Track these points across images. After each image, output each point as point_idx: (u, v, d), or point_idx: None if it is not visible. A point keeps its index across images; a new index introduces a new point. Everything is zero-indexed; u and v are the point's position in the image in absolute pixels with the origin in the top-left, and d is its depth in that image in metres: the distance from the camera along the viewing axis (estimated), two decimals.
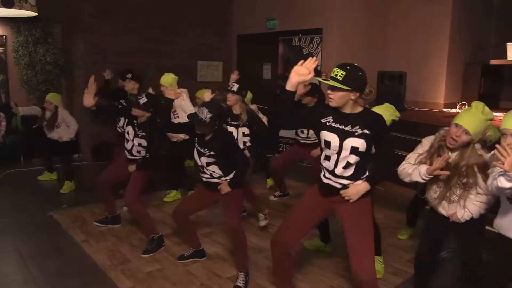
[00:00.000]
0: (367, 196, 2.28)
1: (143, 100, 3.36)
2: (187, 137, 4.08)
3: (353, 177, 2.24)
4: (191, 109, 4.30)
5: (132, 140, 3.54)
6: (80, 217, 4.18)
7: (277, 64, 7.00)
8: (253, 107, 4.76)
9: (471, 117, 2.23)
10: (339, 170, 2.23)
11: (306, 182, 5.05)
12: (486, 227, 2.47)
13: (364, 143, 2.15)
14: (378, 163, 2.28)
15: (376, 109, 2.93)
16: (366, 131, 2.14)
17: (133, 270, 3.15)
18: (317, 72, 5.97)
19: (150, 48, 6.74)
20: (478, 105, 2.27)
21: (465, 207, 2.32)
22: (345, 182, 2.25)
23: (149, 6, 6.69)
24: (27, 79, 6.27)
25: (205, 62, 7.50)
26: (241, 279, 2.92)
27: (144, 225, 3.56)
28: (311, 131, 4.24)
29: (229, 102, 3.78)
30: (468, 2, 6.06)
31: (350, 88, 2.07)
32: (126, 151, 3.62)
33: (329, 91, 2.14)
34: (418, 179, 2.32)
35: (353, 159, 2.18)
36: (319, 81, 2.12)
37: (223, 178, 2.94)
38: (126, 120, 3.69)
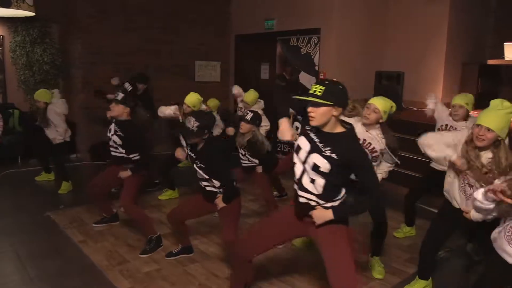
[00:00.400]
0: (340, 225, 2.17)
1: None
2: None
3: (323, 197, 2.13)
4: None
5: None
6: (77, 217, 4.17)
7: (275, 64, 7.00)
8: (259, 106, 4.75)
9: (489, 114, 2.30)
10: (305, 181, 2.14)
11: None
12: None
13: (327, 165, 2.02)
14: (358, 196, 2.16)
15: (375, 99, 2.94)
16: (334, 155, 2.02)
17: (132, 270, 3.15)
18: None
19: (149, 48, 6.74)
20: (495, 102, 2.33)
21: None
22: (313, 198, 2.14)
23: (150, 6, 6.69)
24: (25, 79, 6.26)
25: (203, 62, 7.49)
26: None
27: (142, 226, 3.56)
28: None
29: (241, 130, 3.76)
30: (465, 2, 6.07)
31: (331, 103, 1.96)
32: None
33: (309, 109, 2.02)
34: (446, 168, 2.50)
35: (316, 176, 2.08)
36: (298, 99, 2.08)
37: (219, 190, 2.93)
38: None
